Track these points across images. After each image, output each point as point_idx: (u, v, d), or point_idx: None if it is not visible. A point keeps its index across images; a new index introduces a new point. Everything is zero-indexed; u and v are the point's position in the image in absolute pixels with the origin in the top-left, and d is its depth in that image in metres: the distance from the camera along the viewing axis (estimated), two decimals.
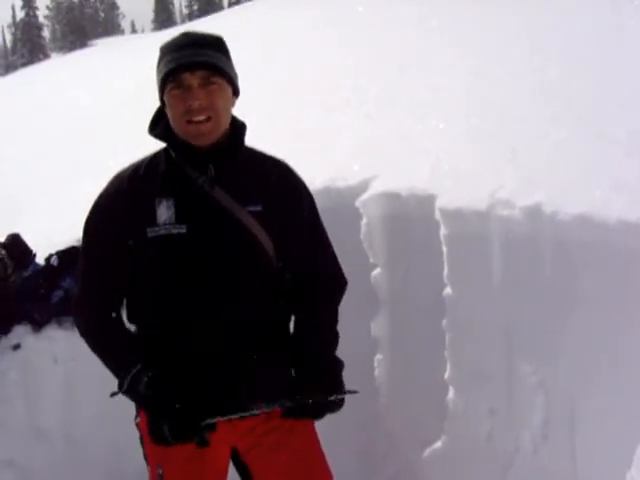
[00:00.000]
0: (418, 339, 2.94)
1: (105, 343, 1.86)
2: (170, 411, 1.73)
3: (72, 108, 8.98)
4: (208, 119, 1.73)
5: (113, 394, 1.86)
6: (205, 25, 14.18)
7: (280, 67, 7.06)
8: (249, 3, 16.80)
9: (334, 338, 1.96)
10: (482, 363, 2.62)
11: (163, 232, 1.74)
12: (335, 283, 2.00)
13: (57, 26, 53.50)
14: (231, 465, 1.97)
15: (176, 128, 1.76)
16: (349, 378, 3.08)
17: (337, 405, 1.89)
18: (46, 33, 53.29)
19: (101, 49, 21.71)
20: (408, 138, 3.62)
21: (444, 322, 2.73)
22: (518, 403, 2.54)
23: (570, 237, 2.37)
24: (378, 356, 3.09)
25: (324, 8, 10.89)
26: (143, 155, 1.87)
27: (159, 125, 1.81)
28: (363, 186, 3.15)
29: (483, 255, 2.60)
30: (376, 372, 3.09)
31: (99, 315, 1.85)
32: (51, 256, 3.21)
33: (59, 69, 16.34)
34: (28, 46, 47.48)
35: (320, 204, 3.21)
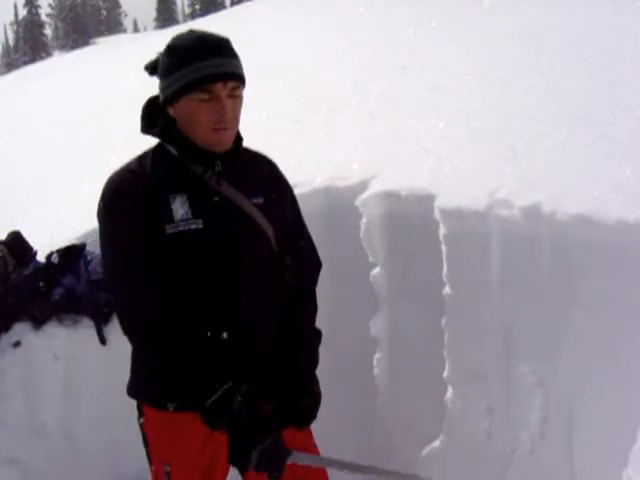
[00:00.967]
0: (417, 338, 2.95)
1: (185, 350, 1.71)
2: (263, 439, 1.68)
3: (74, 106, 8.98)
4: (229, 128, 1.77)
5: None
6: (207, 24, 14.17)
7: (281, 66, 7.05)
8: (251, 2, 16.79)
9: (316, 337, 2.02)
10: (481, 362, 2.63)
11: (182, 228, 1.74)
12: (314, 264, 2.08)
13: (59, 24, 53.52)
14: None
15: (198, 135, 1.76)
16: (348, 377, 3.09)
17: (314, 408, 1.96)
18: (48, 31, 53.36)
19: (103, 48, 21.70)
20: (408, 138, 3.62)
21: (443, 321, 2.74)
22: (516, 402, 2.55)
23: (569, 237, 2.37)
24: (377, 355, 3.10)
25: (325, 8, 10.88)
26: (143, 152, 1.87)
27: (157, 124, 1.81)
28: (363, 185, 3.16)
29: (482, 255, 2.60)
30: (375, 371, 3.10)
31: (171, 322, 1.71)
32: (52, 254, 3.22)
33: (61, 67, 16.34)
34: (30, 44, 47.54)
35: (320, 203, 3.26)
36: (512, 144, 3.07)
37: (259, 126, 4.43)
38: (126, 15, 63.53)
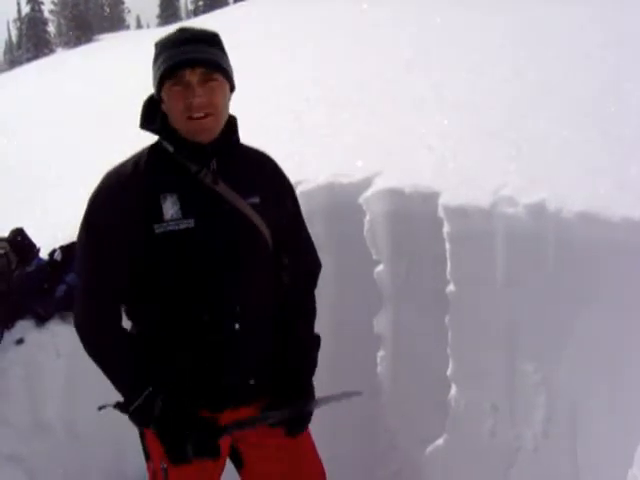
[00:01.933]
0: (421, 336, 2.94)
1: (113, 353, 1.82)
2: (192, 431, 1.75)
3: (76, 103, 8.98)
4: (208, 115, 1.75)
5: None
6: (210, 21, 14.17)
7: (284, 63, 7.05)
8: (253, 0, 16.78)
9: (311, 342, 2.02)
10: (484, 361, 2.62)
11: (171, 228, 1.75)
12: (313, 265, 2.07)
13: (62, 21, 53.47)
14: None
15: (177, 125, 1.77)
16: (351, 374, 3.09)
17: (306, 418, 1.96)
18: (51, 28, 53.33)
19: (107, 44, 21.70)
20: (412, 135, 3.61)
21: (447, 319, 2.73)
22: (520, 401, 2.54)
23: (574, 235, 2.36)
24: (380, 353, 3.09)
25: (328, 5, 10.88)
26: (140, 149, 1.87)
27: (155, 120, 1.82)
28: (366, 183, 3.15)
29: (486, 253, 2.59)
30: (378, 369, 3.09)
31: (108, 318, 1.82)
32: (55, 251, 3.21)
33: (65, 64, 16.34)
34: (33, 41, 47.50)
35: (323, 200, 3.25)
36: (516, 141, 3.06)
37: (261, 123, 4.42)
38: (129, 12, 63.35)
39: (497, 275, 2.58)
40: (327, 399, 1.95)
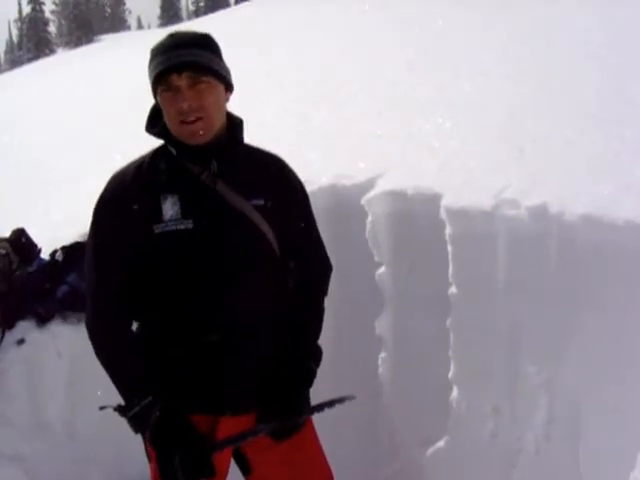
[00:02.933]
0: (422, 338, 2.93)
1: (118, 356, 1.83)
2: (181, 451, 1.74)
3: (78, 104, 8.98)
4: (199, 119, 1.75)
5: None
6: (210, 22, 14.18)
7: (287, 64, 7.05)
8: (256, 0, 16.77)
9: (312, 353, 1.98)
10: (486, 362, 2.62)
11: (170, 228, 1.76)
12: (323, 269, 2.05)
13: (63, 21, 53.49)
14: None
15: (171, 129, 1.79)
16: (353, 376, 3.08)
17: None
18: (52, 28, 53.35)
19: (108, 45, 21.72)
20: (414, 136, 3.61)
21: (448, 321, 2.73)
22: (522, 403, 2.53)
23: (576, 237, 2.36)
24: (382, 354, 3.09)
25: (332, 6, 10.88)
26: (147, 152, 1.88)
27: (157, 123, 1.83)
28: (369, 184, 3.15)
29: (488, 255, 2.59)
30: (380, 370, 3.09)
31: (117, 320, 1.84)
32: (56, 251, 3.21)
33: (68, 65, 16.35)
34: (34, 41, 47.55)
35: (325, 201, 3.24)
36: (519, 143, 3.06)
37: (265, 124, 4.42)
38: (130, 12, 63.43)
39: (499, 277, 2.57)
40: (320, 407, 1.93)
